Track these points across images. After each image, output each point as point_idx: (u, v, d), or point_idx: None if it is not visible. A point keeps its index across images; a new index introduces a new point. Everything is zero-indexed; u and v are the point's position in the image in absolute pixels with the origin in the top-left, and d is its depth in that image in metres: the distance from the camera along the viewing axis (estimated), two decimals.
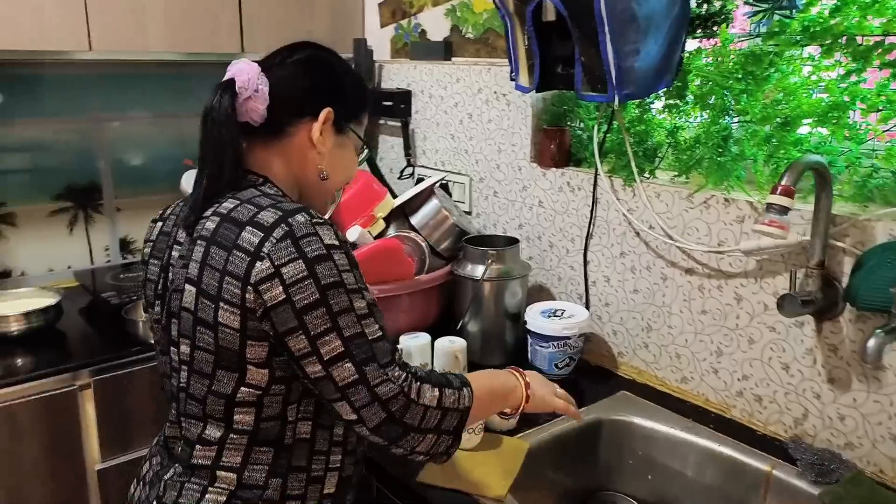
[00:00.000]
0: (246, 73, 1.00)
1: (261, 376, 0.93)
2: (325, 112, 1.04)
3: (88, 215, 2.17)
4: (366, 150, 1.14)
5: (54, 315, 1.79)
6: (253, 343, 0.91)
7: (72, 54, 1.75)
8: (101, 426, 1.69)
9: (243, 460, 0.96)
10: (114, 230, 2.22)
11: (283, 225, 0.90)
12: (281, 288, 0.87)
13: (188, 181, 2.17)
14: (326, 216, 1.00)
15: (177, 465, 1.00)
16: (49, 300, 1.81)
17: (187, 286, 0.94)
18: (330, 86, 1.07)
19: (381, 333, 0.93)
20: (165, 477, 1.00)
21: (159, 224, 1.12)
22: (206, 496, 0.95)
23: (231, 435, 0.96)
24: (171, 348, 1.00)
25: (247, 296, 0.89)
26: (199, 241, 0.95)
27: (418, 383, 0.94)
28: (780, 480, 1.24)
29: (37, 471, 1.61)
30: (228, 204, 0.96)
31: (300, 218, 0.91)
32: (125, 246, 2.26)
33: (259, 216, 0.92)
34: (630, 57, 1.34)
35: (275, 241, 0.89)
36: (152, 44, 1.85)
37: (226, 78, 1.00)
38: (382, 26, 2.17)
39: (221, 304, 0.90)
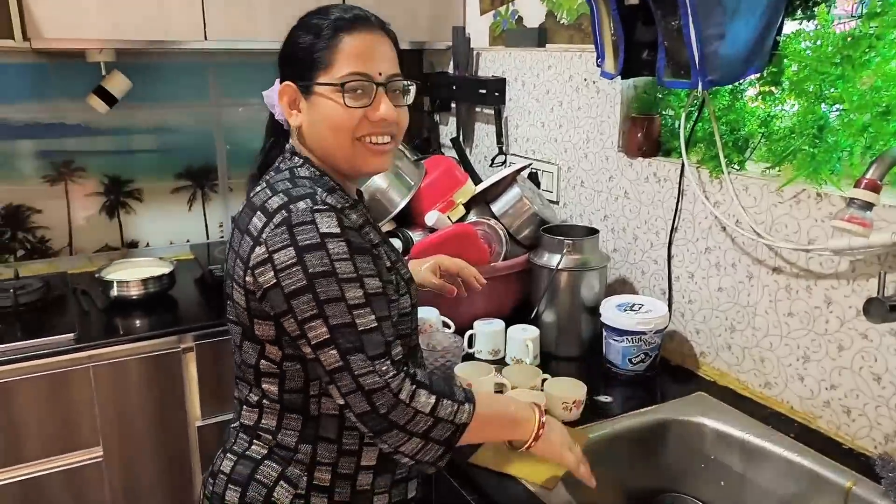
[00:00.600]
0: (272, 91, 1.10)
1: (275, 351, 1.00)
2: (280, 90, 1.04)
3: (205, 193, 2.35)
4: (355, 81, 0.99)
5: (168, 283, 1.96)
6: (259, 322, 0.98)
7: (189, 43, 1.90)
8: (202, 386, 1.84)
9: (277, 424, 1.04)
10: (226, 208, 2.39)
11: (283, 211, 0.93)
12: (272, 273, 0.92)
13: None
14: (372, 172, 1.07)
15: (237, 420, 1.11)
16: (165, 269, 1.99)
17: (224, 265, 1.05)
18: (284, 59, 1.05)
19: (374, 325, 0.92)
20: (231, 427, 1.13)
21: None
22: (252, 447, 1.06)
23: (264, 400, 1.04)
24: None
25: (247, 278, 0.96)
26: (233, 224, 1.04)
27: (413, 386, 0.92)
28: (861, 498, 1.15)
29: (146, 422, 1.78)
30: (257, 188, 1.03)
31: (301, 205, 0.93)
32: None
33: (268, 202, 0.96)
34: (715, 41, 1.27)
35: (273, 227, 0.93)
36: (261, 32, 1.97)
37: None
38: (482, 13, 2.18)
39: (234, 283, 1.00)
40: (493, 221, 1.69)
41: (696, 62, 1.29)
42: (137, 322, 1.85)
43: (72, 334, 1.70)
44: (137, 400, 1.76)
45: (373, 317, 0.92)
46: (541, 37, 1.92)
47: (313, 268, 0.90)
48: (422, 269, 1.39)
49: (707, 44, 1.27)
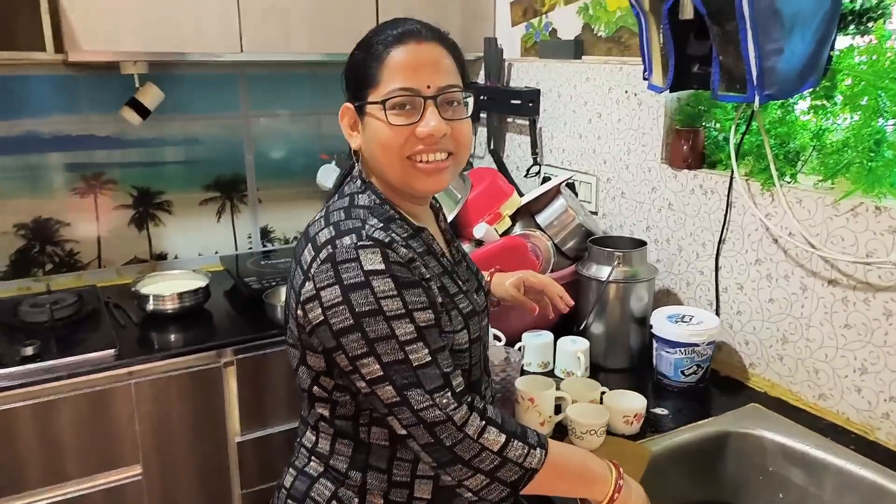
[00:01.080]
0: None
1: (328, 381, 1.00)
2: (340, 112, 1.03)
3: (234, 205, 2.34)
4: (396, 94, 0.95)
5: (203, 296, 1.95)
6: (310, 353, 0.99)
7: (225, 55, 1.89)
8: (242, 402, 1.82)
9: (331, 448, 1.04)
10: (255, 219, 2.38)
11: (328, 247, 0.91)
12: (320, 310, 0.90)
13: (324, 175, 2.29)
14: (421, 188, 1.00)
15: (300, 436, 1.12)
16: (200, 282, 1.98)
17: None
18: (344, 79, 1.04)
19: (429, 359, 0.89)
20: (295, 442, 1.14)
21: None
22: (310, 464, 1.07)
23: (320, 423, 1.04)
24: None
25: (298, 312, 0.95)
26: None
27: (482, 422, 0.90)
28: None
29: (185, 438, 1.77)
30: (317, 215, 1.02)
31: (346, 241, 0.91)
32: (265, 234, 2.41)
33: (319, 234, 0.95)
34: (773, 56, 1.28)
35: (319, 262, 0.91)
36: (295, 46, 1.97)
37: None
38: (513, 25, 2.19)
39: (289, 311, 1.00)
40: (538, 233, 1.69)
41: (754, 77, 1.30)
42: (175, 336, 1.83)
43: (112, 350, 1.68)
44: (177, 416, 1.75)
45: (426, 350, 0.90)
46: (577, 49, 1.92)
47: (360, 307, 0.88)
48: (506, 284, 1.36)
49: (766, 58, 1.28)
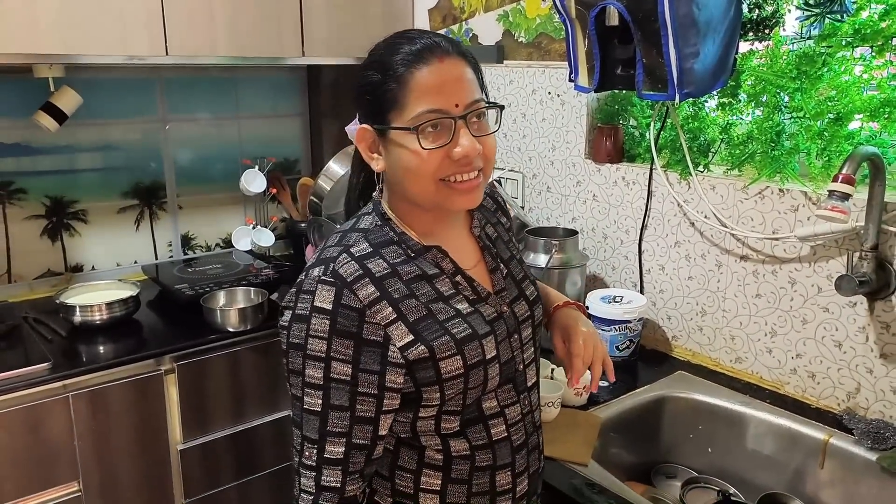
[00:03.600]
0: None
1: None
2: (357, 134, 0.97)
3: (153, 212, 2.28)
4: (432, 122, 0.91)
5: (134, 305, 1.89)
6: None
7: (149, 59, 1.85)
8: (183, 409, 1.79)
9: None
10: (176, 227, 2.33)
11: (303, 274, 0.93)
12: (279, 325, 0.95)
13: (248, 180, 2.28)
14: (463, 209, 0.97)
15: None
16: (128, 292, 1.92)
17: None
18: (357, 99, 0.97)
19: (317, 410, 0.89)
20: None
21: None
22: None
23: None
24: None
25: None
26: None
27: None
28: (838, 448, 1.35)
29: (125, 450, 1.72)
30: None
31: (315, 272, 0.91)
32: (187, 242, 2.36)
33: (314, 256, 0.97)
34: (690, 58, 1.44)
35: (294, 284, 0.94)
36: (221, 49, 1.95)
37: None
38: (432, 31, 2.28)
39: None
40: None
41: (675, 77, 1.46)
42: (108, 347, 1.77)
43: (46, 364, 1.61)
44: (116, 428, 1.70)
45: (320, 402, 0.89)
46: (499, 53, 2.04)
47: (293, 337, 0.91)
48: (557, 326, 1.18)
49: (684, 60, 1.44)
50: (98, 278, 2.10)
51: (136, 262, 2.26)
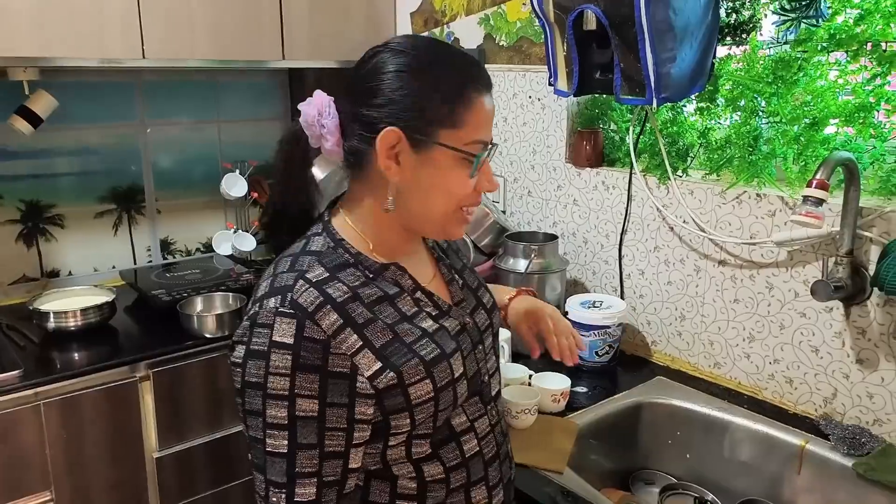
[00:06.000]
0: (314, 108, 0.94)
1: None
2: (383, 135, 0.88)
3: (131, 217, 2.25)
4: (486, 151, 0.91)
5: (109, 311, 1.87)
6: None
7: (127, 62, 1.83)
8: (159, 416, 1.77)
9: None
10: (154, 231, 2.30)
11: (257, 304, 0.87)
12: (231, 361, 0.88)
13: (228, 184, 2.26)
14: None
15: None
16: (103, 297, 1.89)
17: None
18: (388, 101, 0.89)
19: (283, 451, 0.83)
20: None
21: None
22: None
23: None
24: None
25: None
26: None
27: None
28: (815, 454, 1.34)
29: (99, 459, 1.69)
30: (284, 252, 0.96)
31: (271, 303, 0.85)
32: (166, 246, 2.34)
33: (262, 284, 0.90)
34: (668, 63, 1.44)
35: (246, 317, 0.88)
36: (199, 52, 1.94)
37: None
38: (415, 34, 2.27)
39: None
40: None
41: (652, 82, 1.45)
42: (82, 354, 1.75)
43: (17, 371, 1.59)
44: (90, 436, 1.67)
45: (285, 442, 0.83)
46: (480, 57, 2.03)
47: (249, 375, 0.84)
48: (521, 312, 1.25)
49: (661, 65, 1.44)
50: (75, 284, 2.08)
51: (114, 268, 2.24)
